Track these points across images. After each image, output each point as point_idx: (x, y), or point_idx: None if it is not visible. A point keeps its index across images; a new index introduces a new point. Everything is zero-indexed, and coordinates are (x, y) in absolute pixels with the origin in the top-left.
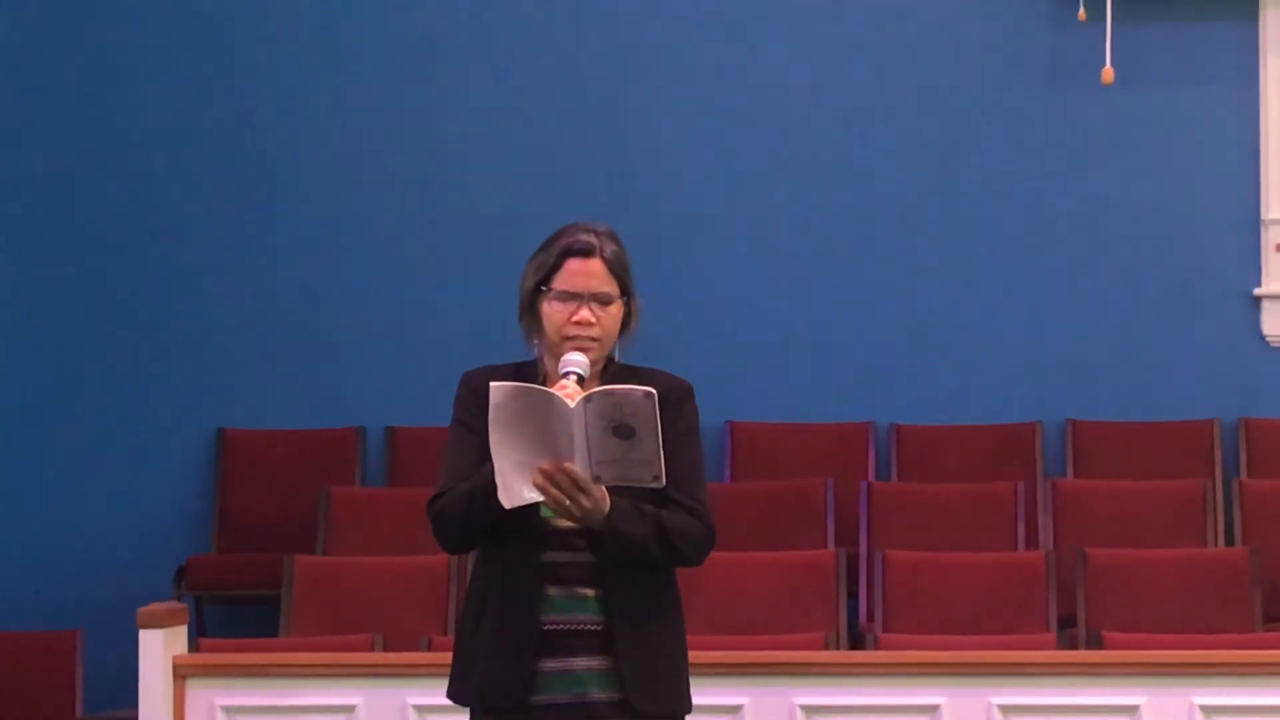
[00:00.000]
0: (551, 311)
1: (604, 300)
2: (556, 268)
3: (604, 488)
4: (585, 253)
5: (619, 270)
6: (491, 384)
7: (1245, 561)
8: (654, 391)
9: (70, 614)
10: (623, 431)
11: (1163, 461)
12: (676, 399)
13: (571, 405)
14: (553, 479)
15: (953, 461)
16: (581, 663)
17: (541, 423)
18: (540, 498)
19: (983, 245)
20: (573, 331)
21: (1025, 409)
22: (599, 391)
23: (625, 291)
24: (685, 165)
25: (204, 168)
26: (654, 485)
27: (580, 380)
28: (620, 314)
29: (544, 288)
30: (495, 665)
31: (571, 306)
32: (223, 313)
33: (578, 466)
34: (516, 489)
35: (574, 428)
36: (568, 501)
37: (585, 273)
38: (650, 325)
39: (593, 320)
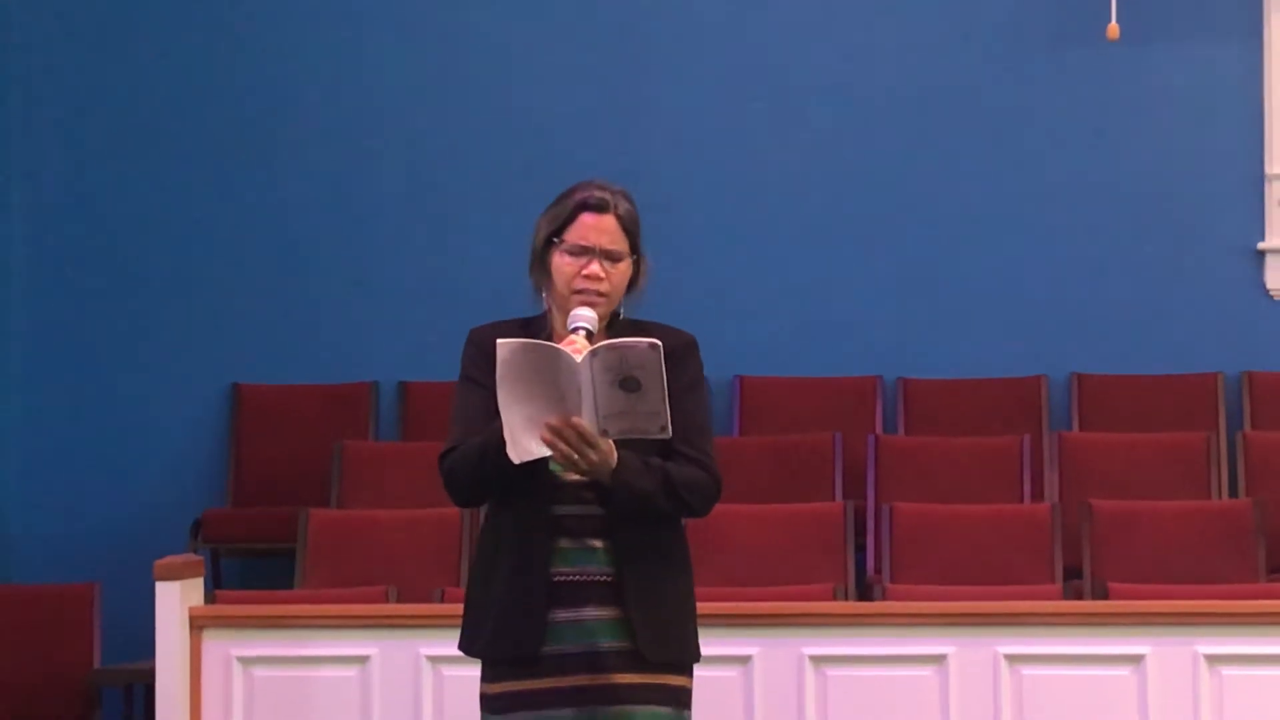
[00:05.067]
0: (562, 264)
1: (615, 257)
2: (570, 221)
3: (611, 441)
4: (600, 208)
5: (631, 228)
6: (498, 340)
7: (1249, 513)
8: (659, 343)
9: (88, 567)
10: (629, 384)
11: (1167, 414)
12: (681, 352)
13: (578, 360)
14: (561, 434)
15: (959, 415)
16: (591, 613)
17: (549, 378)
18: (548, 452)
19: (989, 201)
20: (581, 285)
21: (1031, 363)
22: (604, 345)
23: (635, 250)
24: (696, 122)
25: (219, 125)
26: (661, 436)
27: (589, 335)
28: (629, 272)
29: (556, 240)
30: (507, 616)
31: (582, 261)
32: (237, 269)
33: (585, 420)
34: (525, 444)
35: (581, 382)
36: (576, 456)
37: (598, 228)
38: (661, 281)
39: (602, 275)
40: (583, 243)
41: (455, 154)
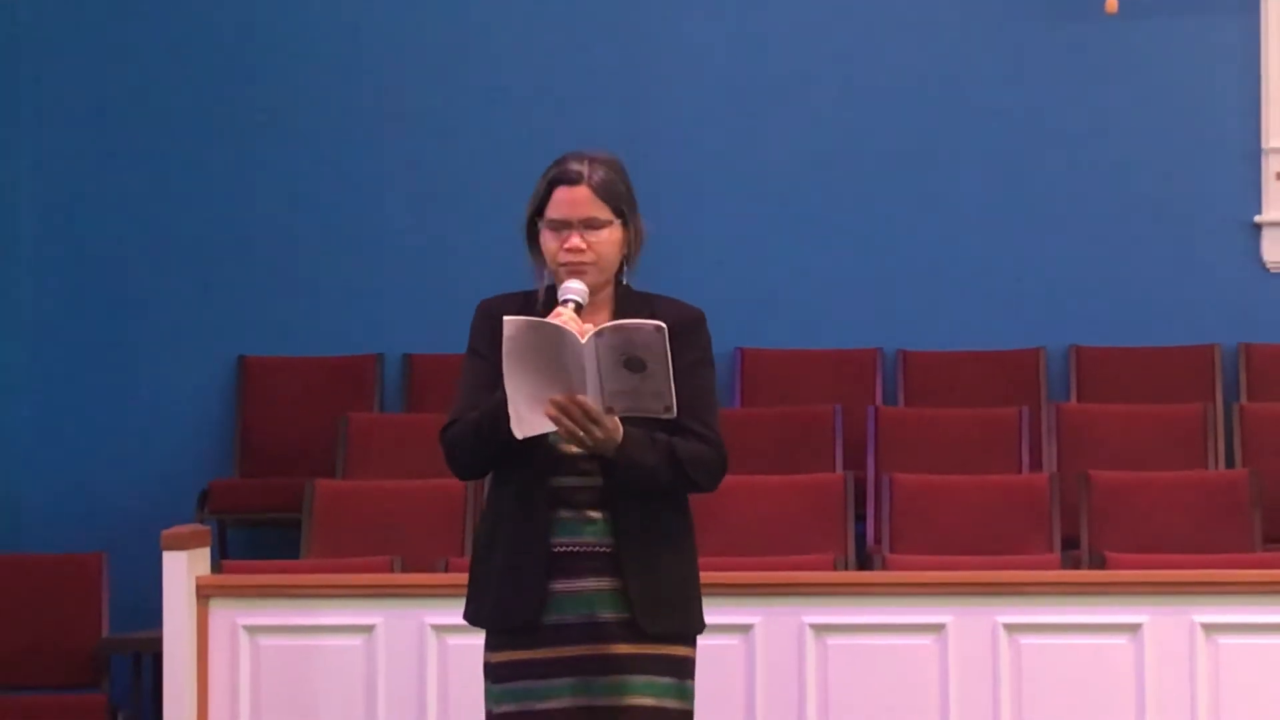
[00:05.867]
0: (546, 241)
1: (594, 225)
2: (547, 198)
3: (617, 418)
4: (572, 181)
5: (607, 195)
6: (505, 318)
7: (1245, 483)
8: (664, 325)
9: (97, 537)
10: (634, 364)
11: (1164, 386)
12: (688, 327)
13: (583, 340)
14: (566, 410)
15: (958, 387)
16: (591, 584)
17: (553, 356)
18: (553, 428)
19: (988, 174)
20: (565, 259)
21: (1029, 335)
22: (609, 326)
23: (621, 215)
24: (699, 97)
25: (226, 100)
26: (665, 416)
27: (579, 308)
28: (617, 238)
29: (539, 219)
30: (508, 587)
31: (562, 235)
32: (244, 243)
33: (590, 398)
34: (530, 420)
35: (585, 361)
36: (580, 432)
37: (571, 200)
38: (662, 253)
39: (583, 246)
40: (559, 217)
41: (460, 127)
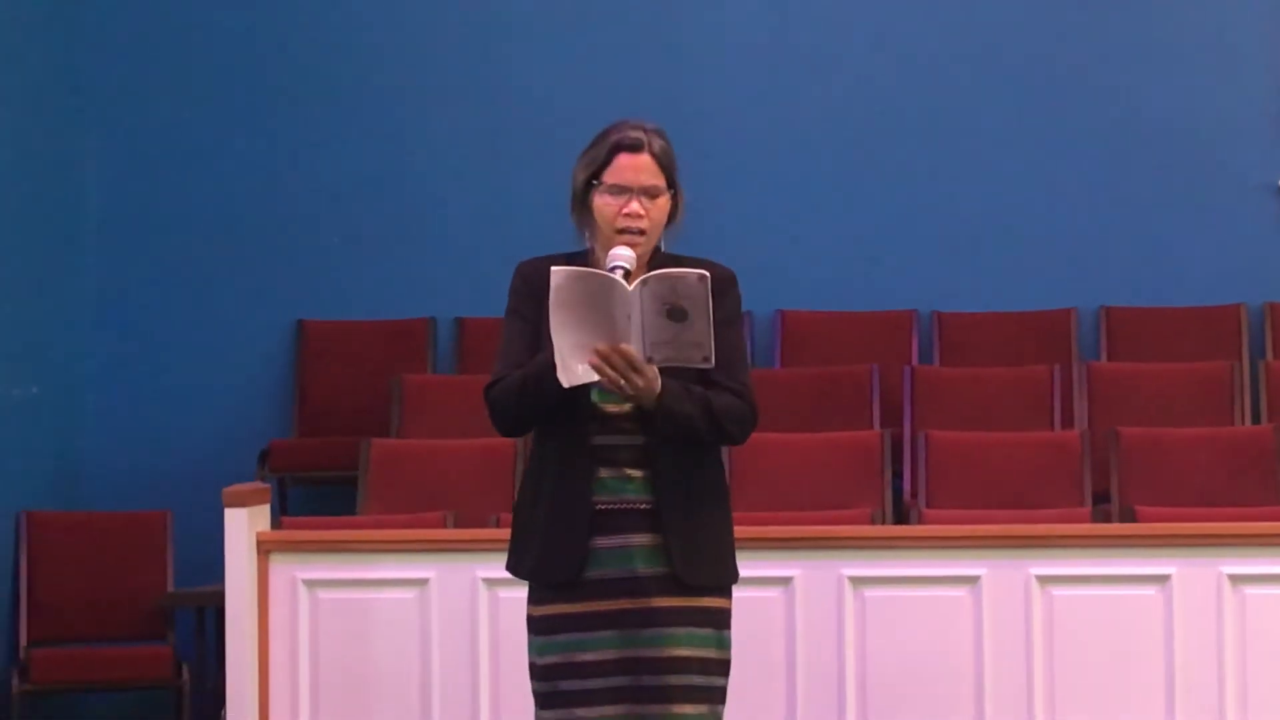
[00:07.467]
0: (603, 205)
1: (652, 193)
2: (607, 163)
3: (656, 369)
4: (635, 148)
5: (666, 164)
6: (553, 268)
7: (1270, 438)
8: (707, 274)
9: (161, 495)
10: (675, 314)
11: (1192, 345)
12: (721, 287)
13: (629, 289)
14: (608, 359)
15: (992, 346)
16: (632, 540)
17: (599, 306)
18: (596, 377)
19: (1020, 139)
20: (623, 224)
21: (1061, 296)
22: (654, 275)
23: (672, 185)
24: (737, 58)
25: (283, 69)
26: (704, 365)
27: (626, 275)
28: (668, 207)
29: (595, 182)
30: (551, 542)
31: (622, 200)
32: (302, 211)
33: (632, 347)
34: (574, 369)
35: (630, 310)
36: (622, 381)
37: (634, 167)
38: (704, 217)
39: (641, 213)
40: (621, 182)
41: (510, 94)
